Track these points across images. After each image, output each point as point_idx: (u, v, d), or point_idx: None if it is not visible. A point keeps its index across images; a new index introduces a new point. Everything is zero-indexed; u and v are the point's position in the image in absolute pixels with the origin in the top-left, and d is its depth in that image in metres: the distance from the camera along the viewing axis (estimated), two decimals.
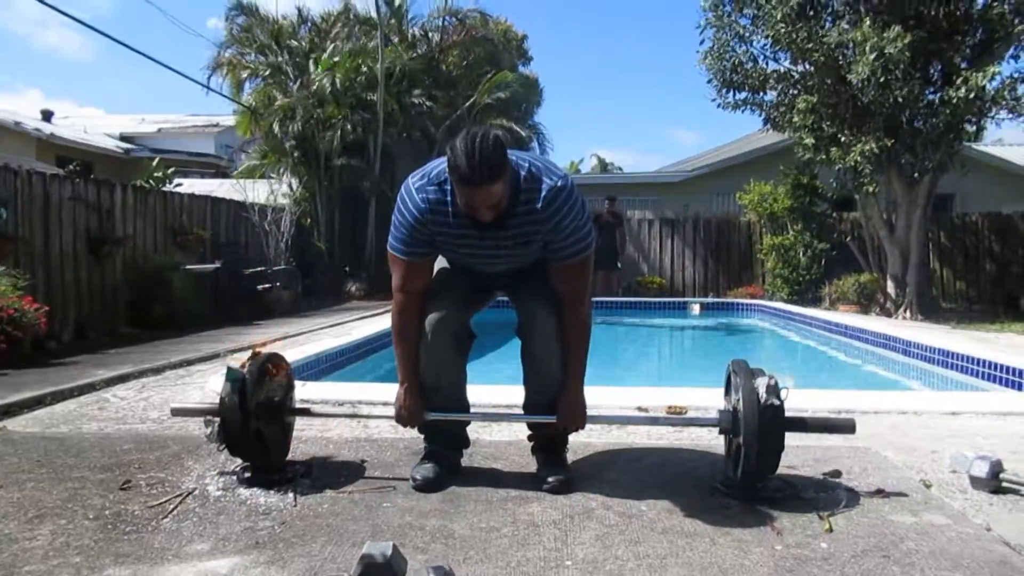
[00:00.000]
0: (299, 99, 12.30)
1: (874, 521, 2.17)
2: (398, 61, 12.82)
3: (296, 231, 11.07)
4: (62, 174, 7.75)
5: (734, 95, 10.33)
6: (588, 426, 2.54)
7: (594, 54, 78.11)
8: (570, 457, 2.68)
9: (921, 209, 9.88)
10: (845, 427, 2.45)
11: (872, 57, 8.26)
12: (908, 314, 9.58)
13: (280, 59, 13.01)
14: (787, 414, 2.28)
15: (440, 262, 2.59)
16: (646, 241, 13.93)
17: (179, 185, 9.85)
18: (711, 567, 1.85)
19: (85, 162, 14.99)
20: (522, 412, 2.66)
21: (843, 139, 9.52)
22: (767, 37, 9.63)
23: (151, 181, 9.43)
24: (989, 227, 12.68)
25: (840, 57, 8.89)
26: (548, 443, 2.63)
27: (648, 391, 4.14)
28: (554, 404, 2.49)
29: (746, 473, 2.29)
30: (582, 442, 2.91)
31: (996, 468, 2.44)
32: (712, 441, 3.10)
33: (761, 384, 2.27)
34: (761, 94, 10.35)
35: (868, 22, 8.58)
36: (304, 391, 3.80)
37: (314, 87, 12.40)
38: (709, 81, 10.26)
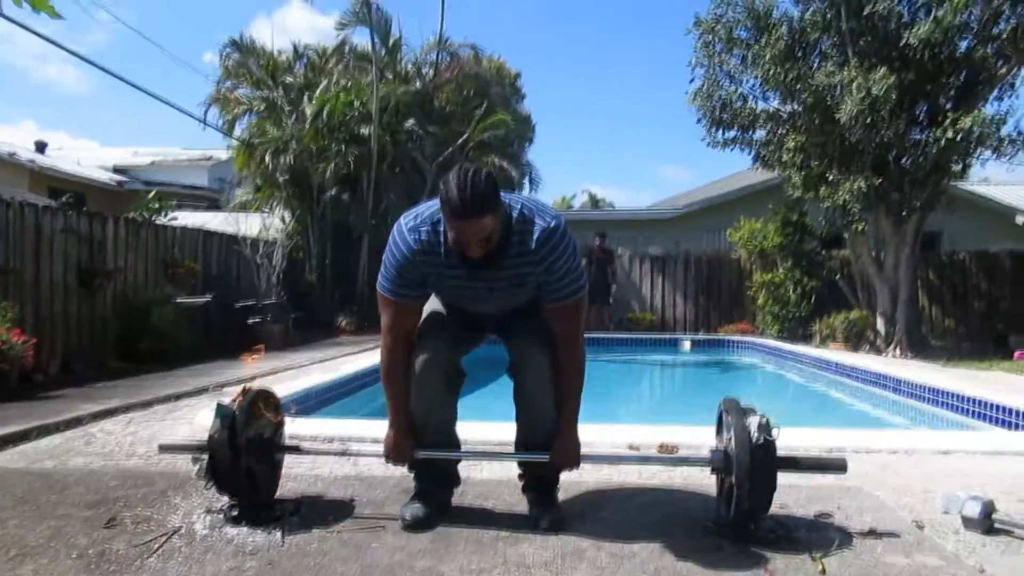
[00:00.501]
0: (294, 132, 12.37)
1: (867, 562, 2.15)
2: (392, 96, 12.94)
3: (287, 264, 11.06)
4: (54, 206, 7.74)
5: (723, 133, 10.45)
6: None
7: (586, 90, 79.17)
8: (561, 496, 2.67)
9: (909, 247, 9.97)
10: (837, 467, 2.45)
11: (859, 97, 8.41)
12: (898, 351, 9.61)
13: (275, 94, 13.11)
14: (779, 453, 2.28)
15: (432, 304, 2.59)
16: (637, 277, 13.98)
17: (174, 219, 9.85)
18: None
19: (78, 194, 14.99)
20: (514, 450, 2.64)
21: (831, 177, 9.64)
22: (756, 77, 9.79)
23: (145, 213, 9.42)
24: (977, 265, 12.79)
25: (828, 97, 9.03)
26: (539, 482, 2.62)
27: (639, 428, 4.11)
28: (549, 442, 2.48)
29: (738, 512, 2.27)
30: (573, 481, 2.89)
31: (988, 509, 2.44)
32: (704, 480, 3.08)
33: (753, 423, 2.27)
34: (751, 132, 10.48)
35: (854, 63, 8.76)
36: (293, 427, 3.77)
37: (308, 121, 12.48)
38: (699, 120, 10.40)
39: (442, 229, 2.29)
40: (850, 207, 9.52)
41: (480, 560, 2.14)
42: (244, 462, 2.40)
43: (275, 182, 12.72)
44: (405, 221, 2.37)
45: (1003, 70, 8.95)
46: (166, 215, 9.86)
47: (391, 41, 13.96)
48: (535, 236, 2.29)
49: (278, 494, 2.65)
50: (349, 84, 12.94)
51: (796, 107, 9.75)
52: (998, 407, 5.03)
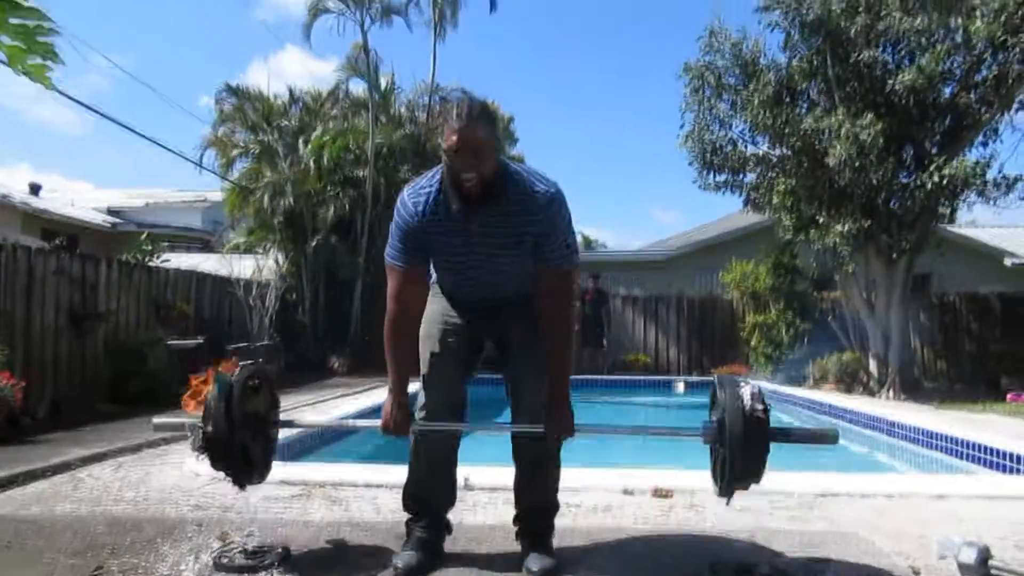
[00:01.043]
0: (290, 175, 12.47)
1: None
2: (386, 140, 13.09)
3: (280, 306, 11.05)
4: (47, 248, 7.75)
5: (714, 176, 10.57)
6: (572, 510, 2.51)
7: (578, 133, 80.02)
8: (555, 542, 2.64)
9: (900, 288, 10.03)
10: (828, 437, 2.48)
11: (848, 142, 8.55)
12: (891, 393, 9.61)
13: (270, 138, 13.24)
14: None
15: (427, 343, 2.59)
16: (630, 319, 13.99)
17: (167, 261, 9.86)
18: None
19: (71, 235, 15.02)
20: (511, 455, 2.66)
21: (821, 220, 9.73)
22: (746, 121, 9.94)
23: (138, 255, 9.43)
24: (967, 307, 12.86)
25: (817, 142, 9.18)
26: (533, 529, 2.60)
27: (634, 472, 4.09)
28: (543, 415, 2.46)
29: (731, 478, 2.28)
30: (567, 527, 2.86)
31: (984, 554, 2.42)
32: (698, 524, 3.07)
33: (746, 393, 2.28)
34: (741, 175, 10.60)
35: (842, 110, 8.91)
36: (284, 471, 3.74)
37: (303, 164, 12.59)
38: (691, 163, 10.53)
39: (438, 180, 2.37)
40: (840, 249, 9.61)
41: None
42: (239, 437, 2.38)
43: (269, 224, 12.78)
44: (406, 190, 2.46)
45: (986, 116, 9.12)
46: (157, 257, 9.87)
47: (384, 86, 14.17)
48: (540, 194, 2.35)
49: (268, 541, 2.62)
50: (346, 127, 13.10)
51: (785, 151, 9.89)
52: (994, 451, 5.03)
